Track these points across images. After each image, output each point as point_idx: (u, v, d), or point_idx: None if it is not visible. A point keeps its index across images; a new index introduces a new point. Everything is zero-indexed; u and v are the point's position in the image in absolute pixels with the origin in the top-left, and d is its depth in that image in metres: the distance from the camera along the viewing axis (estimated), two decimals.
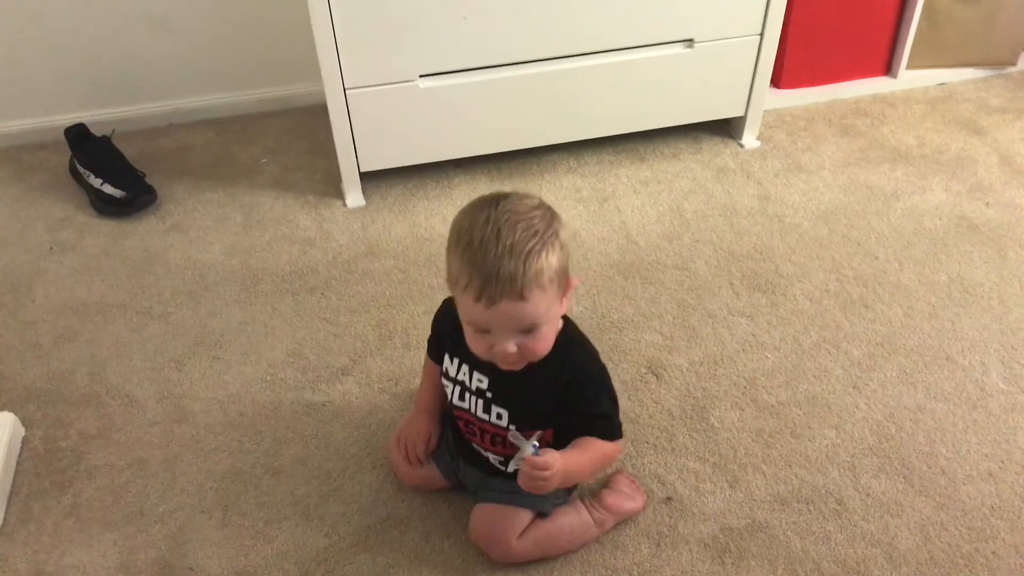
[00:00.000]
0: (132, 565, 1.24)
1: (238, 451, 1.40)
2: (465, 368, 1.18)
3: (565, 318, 1.16)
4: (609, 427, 1.15)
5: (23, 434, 1.42)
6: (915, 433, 1.41)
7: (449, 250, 1.04)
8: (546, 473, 1.06)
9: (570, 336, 1.16)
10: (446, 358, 1.21)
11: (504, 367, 1.09)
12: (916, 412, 1.45)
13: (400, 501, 1.32)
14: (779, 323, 1.61)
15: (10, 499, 1.33)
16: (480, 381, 1.16)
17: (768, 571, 1.23)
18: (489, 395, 1.15)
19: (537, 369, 1.09)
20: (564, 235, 1.05)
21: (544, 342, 1.07)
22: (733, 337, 1.59)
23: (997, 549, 1.25)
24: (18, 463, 1.38)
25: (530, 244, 0.99)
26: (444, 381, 1.22)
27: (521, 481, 1.08)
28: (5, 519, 1.30)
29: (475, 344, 1.08)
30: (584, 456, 1.12)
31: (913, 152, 2.07)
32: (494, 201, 1.03)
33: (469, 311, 1.03)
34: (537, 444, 1.09)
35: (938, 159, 2.05)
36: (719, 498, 1.32)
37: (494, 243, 0.99)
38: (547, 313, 1.04)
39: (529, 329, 1.04)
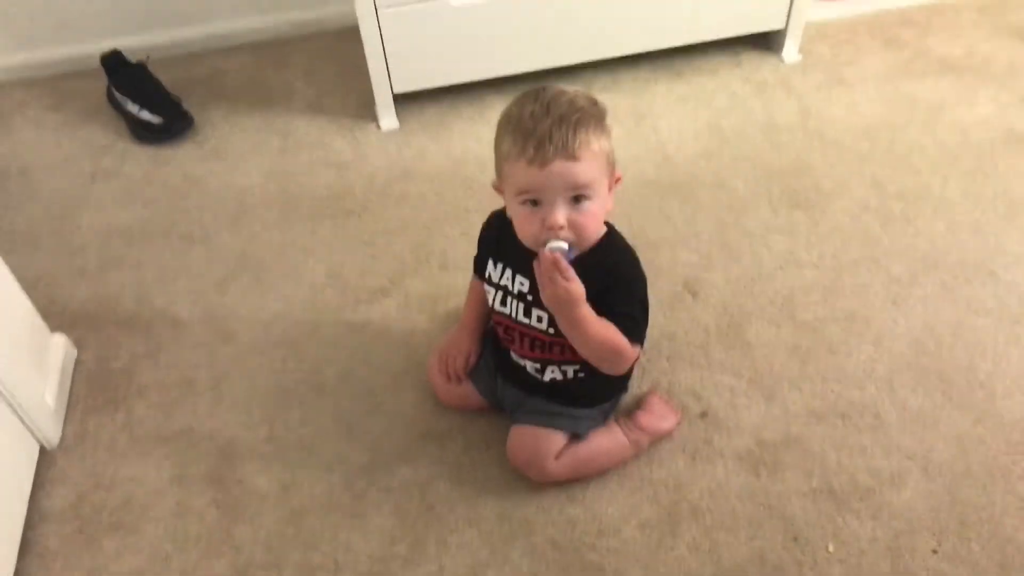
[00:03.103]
0: (185, 478, 1.30)
1: (282, 370, 1.44)
2: (508, 272, 1.19)
3: (609, 225, 1.17)
4: (632, 327, 1.13)
5: (76, 355, 1.47)
6: (954, 348, 1.40)
7: (498, 135, 1.08)
8: (559, 280, 1.04)
9: (613, 241, 1.17)
10: (489, 264, 1.22)
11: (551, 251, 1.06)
12: (956, 327, 1.43)
13: (440, 417, 1.35)
14: (818, 240, 1.60)
15: (67, 416, 1.39)
16: (521, 284, 1.17)
17: (803, 482, 1.24)
18: (530, 298, 1.17)
19: (577, 270, 1.07)
20: (610, 123, 1.08)
21: (592, 219, 1.08)
22: (771, 254, 1.57)
23: None
24: (72, 382, 1.44)
25: (577, 115, 1.04)
26: (486, 287, 1.24)
27: (538, 263, 1.06)
28: (63, 435, 1.36)
29: (525, 225, 1.08)
30: (599, 323, 1.10)
31: (961, 63, 2.00)
32: (540, 88, 1.08)
33: (521, 177, 1.05)
34: (568, 249, 1.06)
35: (987, 70, 1.98)
36: (754, 413, 1.33)
37: (544, 116, 1.03)
38: (597, 184, 1.06)
39: (579, 198, 1.05)
